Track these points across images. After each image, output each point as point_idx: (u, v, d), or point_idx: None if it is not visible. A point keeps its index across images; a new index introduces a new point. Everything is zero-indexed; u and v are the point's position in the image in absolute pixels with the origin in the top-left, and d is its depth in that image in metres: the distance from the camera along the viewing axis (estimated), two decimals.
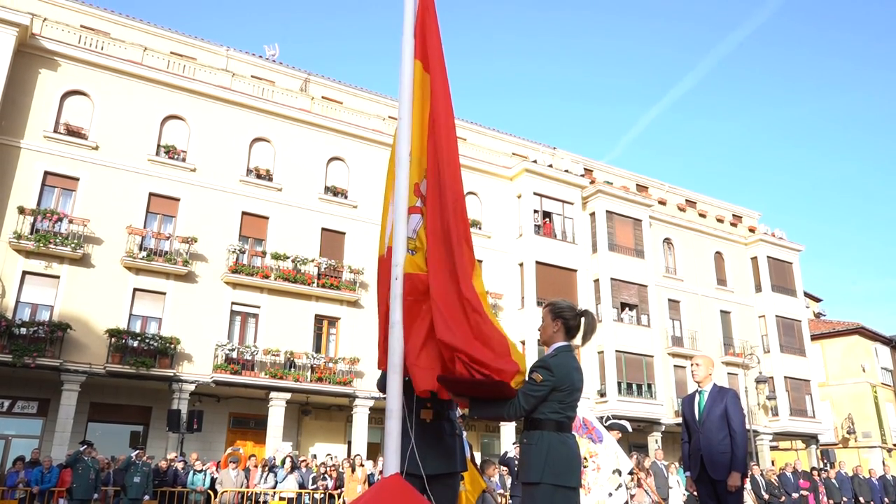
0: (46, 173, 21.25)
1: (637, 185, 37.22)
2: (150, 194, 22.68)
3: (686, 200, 38.13)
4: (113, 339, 20.57)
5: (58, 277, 20.63)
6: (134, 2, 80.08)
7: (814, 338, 38.99)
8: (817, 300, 51.28)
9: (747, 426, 9.01)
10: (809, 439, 35.52)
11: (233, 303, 23.16)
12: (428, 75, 3.91)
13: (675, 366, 31.97)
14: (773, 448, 35.21)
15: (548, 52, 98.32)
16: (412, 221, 3.73)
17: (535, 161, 30.84)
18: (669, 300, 33.06)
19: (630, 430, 8.90)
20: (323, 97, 28.86)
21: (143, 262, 21.52)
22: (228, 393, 22.95)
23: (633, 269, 31.23)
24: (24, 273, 20.32)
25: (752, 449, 28.41)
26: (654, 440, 29.30)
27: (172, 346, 21.33)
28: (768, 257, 36.86)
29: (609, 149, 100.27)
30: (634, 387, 29.46)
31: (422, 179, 3.80)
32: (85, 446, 15.00)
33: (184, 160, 23.49)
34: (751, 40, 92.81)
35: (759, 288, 36.39)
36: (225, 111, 24.66)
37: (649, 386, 29.89)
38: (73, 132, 21.92)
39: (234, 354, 22.33)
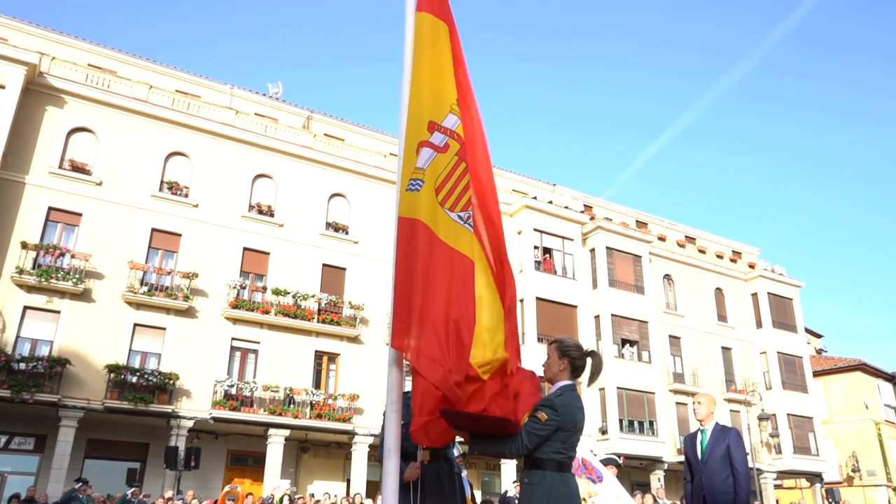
0: (50, 209, 21.40)
1: (636, 221, 37.40)
2: (153, 230, 22.81)
3: (685, 236, 38.27)
4: (112, 375, 20.49)
5: (58, 312, 20.64)
6: (141, 41, 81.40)
7: (816, 374, 38.79)
8: (818, 336, 51.13)
9: (750, 465, 8.93)
10: (814, 478, 35.08)
11: (233, 338, 23.12)
12: (442, 22, 3.74)
13: (676, 402, 31.76)
14: (777, 487, 34.78)
15: (547, 85, 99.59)
16: (423, 155, 3.51)
17: (535, 197, 31.05)
18: (670, 336, 32.98)
19: (620, 462, 8.84)
20: (325, 134, 29.18)
21: (144, 297, 21.55)
22: (227, 430, 22.77)
23: (633, 305, 31.23)
24: (25, 308, 20.34)
25: (756, 488, 28.07)
26: (657, 478, 28.95)
27: (171, 381, 21.23)
28: (769, 293, 36.87)
29: (608, 185, 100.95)
30: (636, 424, 29.23)
31: (445, 116, 3.59)
32: (80, 483, 14.88)
33: (186, 196, 23.67)
34: (751, 75, 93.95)
35: (759, 324, 36.33)
36: (228, 148, 24.93)
37: (651, 423, 29.65)
38: (77, 168, 22.14)
39: (234, 390, 22.21)
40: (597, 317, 30.47)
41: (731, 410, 33.17)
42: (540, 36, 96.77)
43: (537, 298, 28.69)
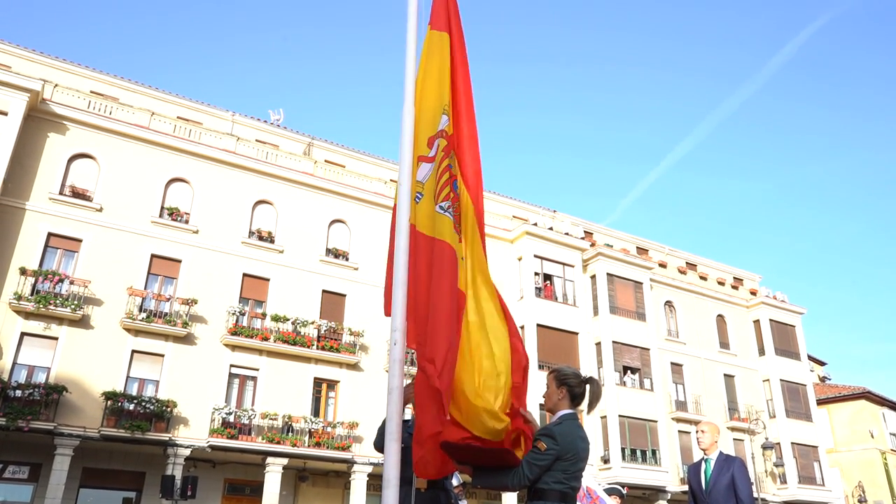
0: (50, 234, 21.40)
1: (637, 247, 37.38)
2: (152, 256, 22.78)
3: (686, 263, 38.23)
4: (109, 402, 20.31)
5: (56, 339, 20.53)
6: (143, 68, 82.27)
7: (820, 402, 38.45)
8: (821, 363, 50.84)
9: (755, 495, 8.78)
10: None
11: (231, 365, 22.96)
12: (445, 33, 3.94)
13: (679, 431, 31.45)
14: None
15: (547, 110, 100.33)
16: (422, 170, 3.73)
17: (535, 224, 31.07)
18: (672, 364, 32.77)
19: (625, 493, 8.72)
20: (326, 161, 29.29)
21: (143, 323, 21.44)
22: (224, 458, 22.49)
23: (634, 332, 31.08)
24: (23, 334, 20.23)
25: None
26: None
27: (169, 409, 21.04)
28: (770, 320, 36.72)
29: (609, 211, 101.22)
30: (639, 453, 28.90)
31: (439, 122, 3.79)
32: None
33: (186, 222, 23.69)
34: (753, 100, 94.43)
35: (762, 351, 36.12)
36: (229, 174, 25.01)
37: (654, 452, 29.32)
38: (78, 194, 22.18)
39: (232, 418, 22.00)
40: (598, 344, 30.30)
41: (734, 439, 32.83)
42: (539, 60, 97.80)
43: (538, 325, 28.55)
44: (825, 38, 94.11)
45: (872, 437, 38.93)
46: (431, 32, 3.93)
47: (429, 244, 3.59)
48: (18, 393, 19.18)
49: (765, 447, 29.30)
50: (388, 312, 3.49)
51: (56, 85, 23.23)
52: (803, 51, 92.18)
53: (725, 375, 34.48)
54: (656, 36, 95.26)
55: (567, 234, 31.74)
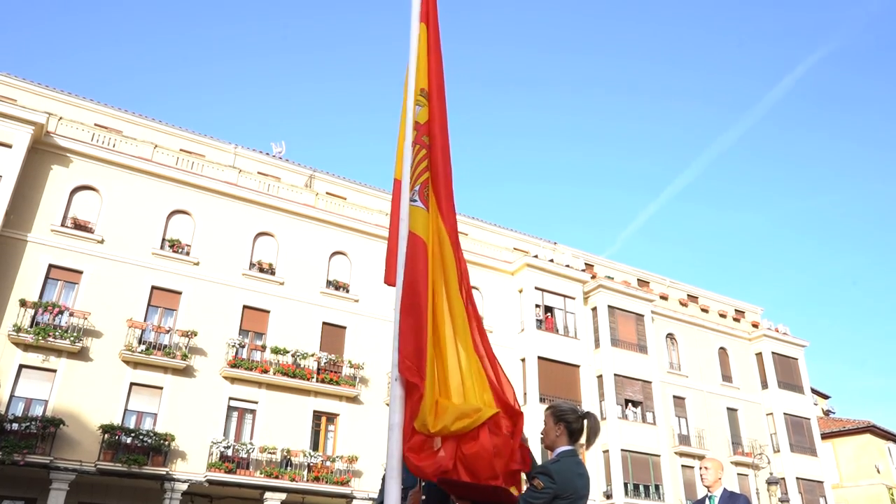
0: (51, 266, 21.42)
1: (638, 279, 37.35)
2: (153, 287, 22.77)
3: (688, 295, 38.16)
4: (106, 436, 20.11)
5: (54, 371, 20.41)
6: (147, 101, 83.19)
7: (824, 436, 38.05)
8: (825, 397, 50.40)
9: None
10: None
11: (230, 398, 22.79)
12: (423, 25, 4.08)
13: (682, 465, 31.06)
14: None
15: (546, 140, 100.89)
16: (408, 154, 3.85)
17: (536, 256, 31.10)
18: (674, 397, 32.50)
19: None
20: (327, 193, 29.43)
21: (142, 355, 21.34)
22: (222, 493, 22.19)
23: (636, 364, 30.89)
24: (21, 366, 20.12)
25: None
26: None
27: (166, 442, 20.83)
28: (773, 353, 36.51)
29: (609, 243, 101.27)
30: (641, 488, 28.51)
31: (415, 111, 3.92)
32: None
33: (187, 254, 23.72)
34: (754, 130, 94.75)
35: (765, 384, 35.86)
36: (230, 206, 25.11)
37: (657, 487, 28.93)
38: (79, 226, 22.25)
39: (230, 452, 21.77)
40: (599, 377, 30.10)
41: (738, 474, 32.40)
42: (537, 89, 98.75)
43: (539, 358, 28.39)
44: (828, 67, 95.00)
45: (878, 472, 38.42)
46: (420, 26, 4.10)
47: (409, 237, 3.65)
48: (15, 426, 19.02)
49: (770, 482, 28.88)
50: (389, 280, 3.73)
51: (61, 118, 23.46)
52: (806, 80, 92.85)
53: (728, 409, 34.17)
54: (657, 64, 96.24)
55: (568, 266, 31.74)
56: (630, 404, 30.13)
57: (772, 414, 35.11)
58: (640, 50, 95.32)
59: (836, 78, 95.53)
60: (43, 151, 22.24)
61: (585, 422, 3.69)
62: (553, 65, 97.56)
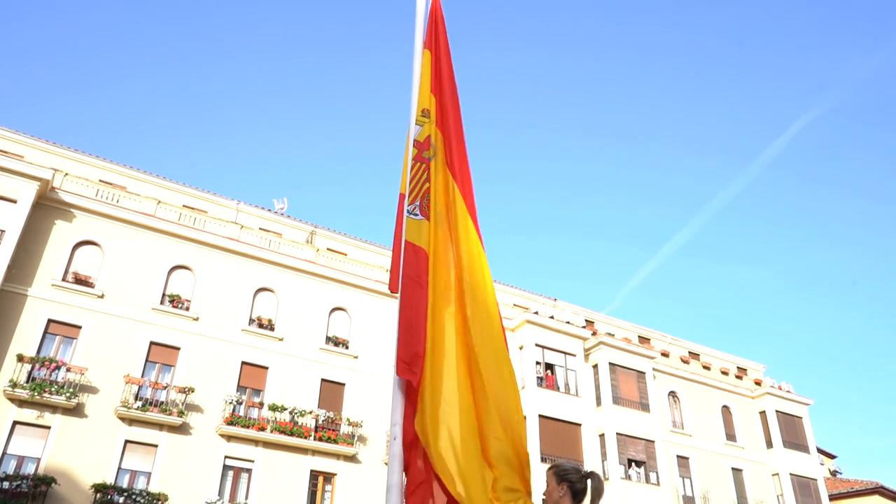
0: (50, 321, 21.36)
1: (639, 336, 37.17)
2: (151, 343, 22.65)
3: (689, 352, 37.91)
4: (98, 495, 19.70)
5: (48, 428, 20.12)
6: (151, 157, 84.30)
7: (832, 497, 37.26)
8: (831, 457, 49.52)
9: None
10: None
11: (226, 456, 22.40)
12: (428, 52, 4.31)
13: None
14: None
15: (545, 191, 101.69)
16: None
17: (536, 312, 31.03)
18: (678, 456, 31.95)
19: None
20: (328, 249, 29.57)
21: (138, 412, 21.08)
22: None
23: (639, 423, 30.47)
24: (15, 423, 19.84)
25: None
26: None
27: (160, 503, 20.38)
28: (777, 411, 36.05)
29: (609, 300, 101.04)
30: None
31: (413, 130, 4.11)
32: None
33: (187, 309, 23.68)
34: (754, 186, 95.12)
35: (770, 444, 35.28)
36: (231, 262, 25.20)
37: None
38: (80, 281, 22.28)
39: None
40: (601, 435, 29.65)
41: None
42: (537, 140, 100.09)
43: (540, 416, 28.03)
44: (831, 120, 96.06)
45: None
46: (424, 52, 4.35)
47: (409, 249, 3.74)
48: (6, 485, 18.65)
49: None
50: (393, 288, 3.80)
51: (66, 174, 23.76)
52: (809, 133, 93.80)
53: (733, 469, 33.54)
54: (657, 114, 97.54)
55: (568, 322, 31.64)
56: (633, 464, 29.59)
57: (777, 474, 34.44)
58: (641, 98, 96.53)
59: (839, 131, 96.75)
60: (47, 207, 22.44)
61: (589, 482, 3.63)
62: (553, 115, 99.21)
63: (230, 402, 22.76)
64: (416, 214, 3.81)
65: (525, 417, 27.50)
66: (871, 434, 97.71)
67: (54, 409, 20.26)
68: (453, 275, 3.78)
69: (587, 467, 3.58)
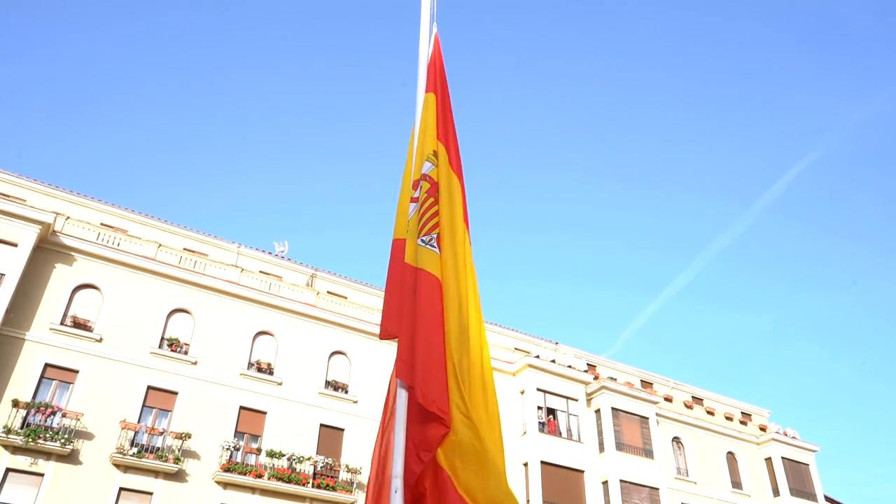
0: (47, 365, 21.14)
1: (641, 380, 36.77)
2: (149, 388, 22.38)
3: (693, 397, 37.45)
4: None
5: (42, 475, 19.74)
6: (152, 200, 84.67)
7: None
8: None
9: None
10: None
11: None
12: (432, 94, 4.51)
13: None
14: None
15: (544, 233, 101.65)
16: (410, 209, 4.18)
17: (537, 356, 30.74)
18: None
19: None
20: (328, 292, 29.46)
21: (133, 458, 20.70)
22: None
23: (642, 470, 29.91)
24: (8, 470, 19.48)
25: None
26: None
27: None
28: (783, 458, 35.44)
29: (610, 343, 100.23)
30: None
31: (422, 167, 4.24)
32: None
33: (186, 353, 23.47)
34: (754, 229, 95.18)
35: (776, 491, 34.58)
36: (231, 305, 25.07)
37: None
38: (79, 324, 22.13)
39: None
40: (605, 483, 29.08)
41: None
42: (536, 180, 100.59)
43: (542, 462, 27.52)
44: (830, 164, 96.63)
45: None
46: (427, 95, 4.53)
47: (413, 274, 3.87)
48: None
49: None
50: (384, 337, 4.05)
51: (68, 217, 23.82)
52: (808, 177, 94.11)
53: None
54: (657, 157, 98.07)
55: (570, 366, 31.32)
56: None
57: None
58: (641, 140, 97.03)
59: (838, 175, 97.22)
60: (48, 250, 22.43)
61: None
62: (552, 156, 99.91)
63: (227, 448, 22.38)
64: (433, 246, 3.97)
65: (526, 464, 27.07)
66: (881, 480, 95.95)
67: (48, 455, 19.91)
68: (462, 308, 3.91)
69: None
